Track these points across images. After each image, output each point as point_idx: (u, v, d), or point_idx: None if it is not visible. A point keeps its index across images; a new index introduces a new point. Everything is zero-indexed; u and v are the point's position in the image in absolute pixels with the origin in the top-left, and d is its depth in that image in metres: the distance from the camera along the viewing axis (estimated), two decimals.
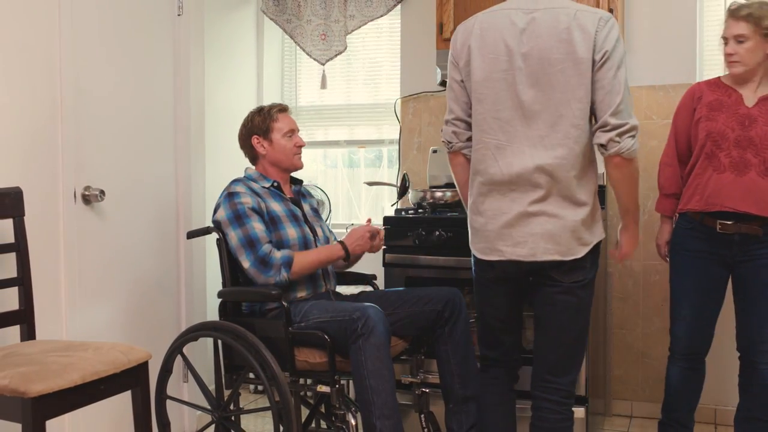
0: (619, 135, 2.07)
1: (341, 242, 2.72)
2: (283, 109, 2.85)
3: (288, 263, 2.60)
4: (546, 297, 2.22)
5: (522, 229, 2.15)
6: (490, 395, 2.42)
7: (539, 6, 2.13)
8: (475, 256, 2.30)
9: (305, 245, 2.73)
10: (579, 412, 2.84)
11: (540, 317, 2.26)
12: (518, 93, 2.13)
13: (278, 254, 2.60)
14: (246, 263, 2.62)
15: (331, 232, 2.99)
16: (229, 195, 2.69)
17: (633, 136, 2.08)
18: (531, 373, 2.31)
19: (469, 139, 2.27)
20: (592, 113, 2.13)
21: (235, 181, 2.75)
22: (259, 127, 2.79)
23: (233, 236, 2.64)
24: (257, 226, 2.63)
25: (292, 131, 2.82)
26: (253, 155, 2.85)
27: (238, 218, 2.64)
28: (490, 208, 2.20)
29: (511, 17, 2.14)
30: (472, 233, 2.29)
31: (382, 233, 2.85)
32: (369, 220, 2.84)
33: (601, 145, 2.10)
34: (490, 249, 2.21)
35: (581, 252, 2.15)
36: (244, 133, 2.83)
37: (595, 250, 2.21)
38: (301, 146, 2.83)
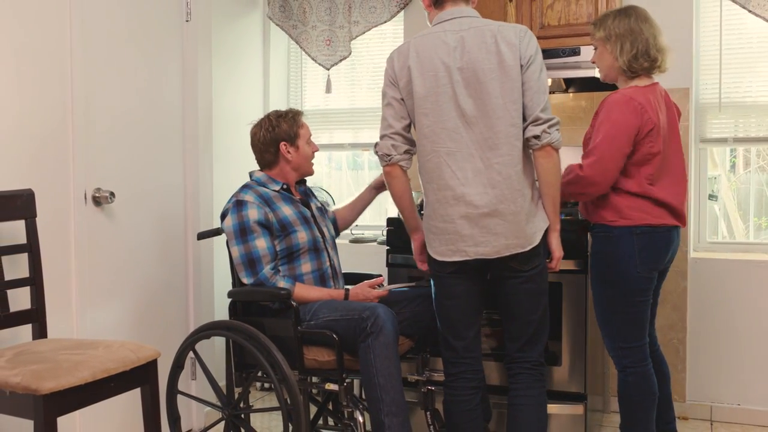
0: (549, 127, 2.30)
1: (347, 291, 2.70)
2: (301, 114, 2.83)
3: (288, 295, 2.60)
4: (510, 288, 2.41)
5: (482, 229, 2.32)
6: (457, 399, 2.49)
7: (464, 27, 2.34)
8: (434, 259, 2.41)
9: (315, 248, 2.75)
10: (578, 408, 2.87)
11: (507, 306, 2.45)
12: (459, 103, 2.32)
13: (280, 284, 2.61)
14: (245, 280, 2.65)
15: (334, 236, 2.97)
16: (237, 204, 2.67)
17: (558, 130, 2.32)
18: (504, 351, 2.51)
19: (406, 152, 2.44)
20: (523, 112, 2.32)
21: (244, 188, 2.73)
22: (287, 133, 2.75)
23: (235, 251, 2.65)
24: (260, 244, 2.63)
25: (310, 137, 2.84)
26: (272, 160, 2.78)
27: (243, 233, 2.63)
28: (448, 213, 2.35)
29: (442, 38, 2.35)
30: (431, 238, 2.41)
31: None
32: (382, 278, 2.76)
33: (535, 137, 2.30)
34: (452, 251, 2.36)
35: (537, 239, 2.36)
36: (269, 139, 2.75)
37: (544, 236, 2.40)
38: (315, 152, 2.85)
